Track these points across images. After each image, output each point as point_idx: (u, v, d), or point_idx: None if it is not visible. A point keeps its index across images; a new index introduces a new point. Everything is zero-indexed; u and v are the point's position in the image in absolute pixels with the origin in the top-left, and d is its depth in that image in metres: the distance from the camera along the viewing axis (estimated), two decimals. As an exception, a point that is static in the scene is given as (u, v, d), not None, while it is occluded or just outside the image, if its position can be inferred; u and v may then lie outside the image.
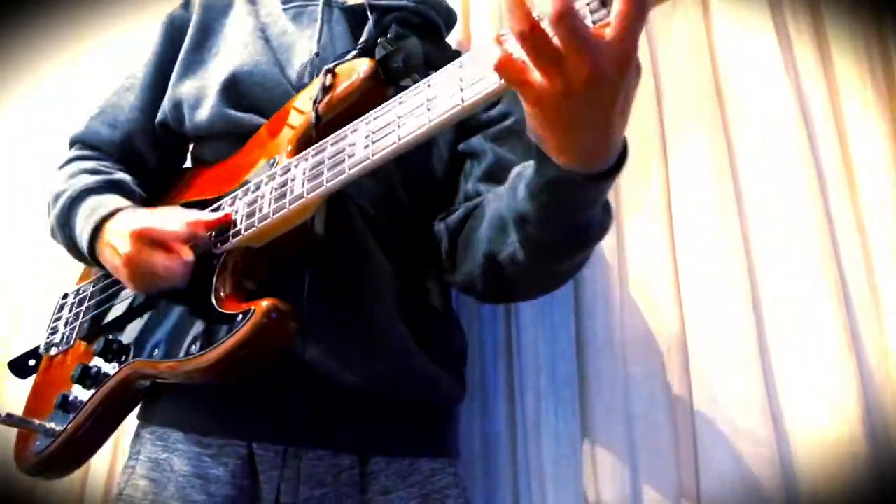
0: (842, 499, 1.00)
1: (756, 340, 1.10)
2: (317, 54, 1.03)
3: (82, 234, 0.99)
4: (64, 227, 1.04)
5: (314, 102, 0.93)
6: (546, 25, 0.59)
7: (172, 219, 0.91)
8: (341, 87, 0.93)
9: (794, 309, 1.10)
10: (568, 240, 0.80)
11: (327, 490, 0.90)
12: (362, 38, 1.05)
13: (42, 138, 1.70)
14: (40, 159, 1.21)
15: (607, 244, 1.21)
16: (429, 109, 0.75)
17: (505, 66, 0.62)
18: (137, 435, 0.98)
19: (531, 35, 0.59)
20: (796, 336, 1.09)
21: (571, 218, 0.77)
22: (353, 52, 0.99)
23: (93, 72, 1.74)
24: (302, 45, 1.07)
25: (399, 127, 0.77)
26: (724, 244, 1.15)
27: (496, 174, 0.98)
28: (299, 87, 1.01)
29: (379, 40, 1.00)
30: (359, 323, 0.94)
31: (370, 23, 1.07)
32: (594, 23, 0.62)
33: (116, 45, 1.73)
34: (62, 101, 1.75)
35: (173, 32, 1.15)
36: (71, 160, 1.13)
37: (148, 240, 0.89)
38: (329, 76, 0.94)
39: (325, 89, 0.94)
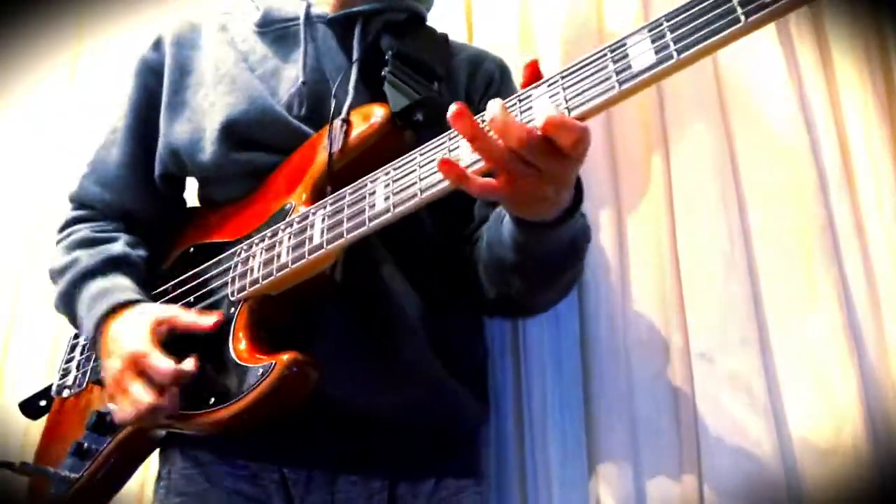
0: (843, 499, 1.00)
1: (757, 341, 1.10)
2: (303, 83, 1.00)
3: (86, 323, 0.98)
4: (67, 309, 1.03)
5: (329, 155, 0.92)
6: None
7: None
8: (355, 134, 0.92)
9: (794, 309, 1.10)
10: (566, 257, 0.89)
11: None
12: (354, 54, 1.02)
13: (41, 139, 1.68)
14: (39, 160, 1.18)
15: (609, 246, 1.21)
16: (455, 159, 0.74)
17: (480, 192, 0.73)
18: (165, 457, 0.98)
19: (499, 159, 0.70)
20: (797, 336, 1.09)
21: (562, 244, 0.85)
22: (354, 72, 0.99)
23: (92, 72, 1.71)
24: (288, 70, 1.03)
25: (421, 180, 0.76)
26: (725, 245, 1.15)
27: None
28: (295, 116, 1.00)
29: (384, 73, 0.98)
30: (388, 354, 0.94)
31: (357, 34, 1.04)
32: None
33: (116, 45, 1.69)
34: (62, 102, 1.72)
35: (147, 79, 1.11)
36: (70, 224, 1.11)
37: (137, 368, 0.86)
38: (344, 125, 0.93)
39: (343, 134, 0.93)
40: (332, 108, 0.97)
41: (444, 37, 1.15)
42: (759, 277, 1.13)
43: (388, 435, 0.93)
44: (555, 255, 0.87)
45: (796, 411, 1.05)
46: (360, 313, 0.93)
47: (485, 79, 1.12)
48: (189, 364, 0.87)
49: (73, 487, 0.95)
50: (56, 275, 1.05)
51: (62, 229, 1.12)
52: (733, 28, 0.61)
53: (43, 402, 1.14)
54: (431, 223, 1.02)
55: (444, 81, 1.04)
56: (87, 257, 1.02)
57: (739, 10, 0.60)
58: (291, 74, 1.02)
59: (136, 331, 0.90)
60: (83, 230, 1.09)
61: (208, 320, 0.90)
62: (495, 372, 1.24)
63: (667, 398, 1.12)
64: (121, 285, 0.99)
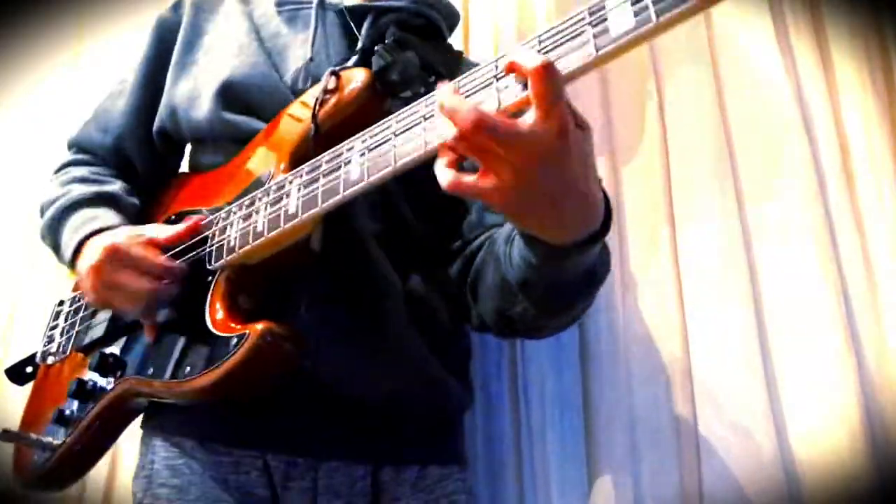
0: (842, 498, 1.00)
1: (757, 342, 1.10)
2: (311, 59, 1.00)
3: (68, 245, 0.99)
4: (52, 235, 1.04)
5: (315, 105, 0.90)
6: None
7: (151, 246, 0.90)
8: (334, 100, 0.90)
9: (794, 309, 1.10)
10: (576, 290, 0.81)
11: (342, 501, 0.91)
12: (360, 43, 1.01)
13: (42, 136, 1.69)
14: (40, 157, 1.20)
15: (609, 248, 1.19)
16: (425, 130, 0.72)
17: (455, 188, 0.64)
18: (147, 444, 0.97)
19: (463, 140, 0.62)
20: (797, 337, 1.09)
21: (573, 275, 0.77)
22: (353, 59, 0.96)
23: (93, 70, 1.72)
24: (295, 48, 1.04)
25: (395, 148, 0.74)
26: (725, 245, 1.15)
27: None
28: (295, 92, 0.99)
29: (377, 48, 0.96)
30: (371, 334, 0.93)
31: (366, 25, 1.03)
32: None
33: (117, 43, 1.71)
34: (62, 100, 1.73)
35: (163, 35, 1.13)
36: (66, 165, 1.13)
37: (121, 257, 0.88)
38: (333, 78, 0.91)
39: (328, 91, 0.91)
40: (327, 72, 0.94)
41: (459, 53, 1.15)
42: (759, 278, 1.13)
43: (371, 420, 0.92)
44: (568, 280, 0.78)
45: (795, 412, 1.06)
46: (345, 294, 0.92)
47: None
48: (175, 261, 0.88)
49: (56, 454, 0.95)
50: (47, 205, 1.06)
51: (59, 170, 1.14)
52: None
53: (29, 369, 1.14)
54: (411, 212, 1.00)
55: (443, 79, 1.01)
56: (80, 189, 1.05)
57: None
58: (298, 54, 1.02)
59: (118, 232, 0.93)
60: (81, 170, 1.11)
61: (182, 226, 0.92)
62: (491, 372, 1.24)
63: (666, 399, 1.12)
64: (110, 216, 1.01)
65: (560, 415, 1.15)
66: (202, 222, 0.92)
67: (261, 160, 0.95)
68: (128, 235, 0.91)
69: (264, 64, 1.01)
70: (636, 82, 1.26)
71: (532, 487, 1.15)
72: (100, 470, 1.37)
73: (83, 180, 1.07)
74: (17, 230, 1.65)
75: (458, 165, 0.66)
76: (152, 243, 0.91)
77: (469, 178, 0.64)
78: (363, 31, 1.03)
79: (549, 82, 0.60)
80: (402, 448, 0.95)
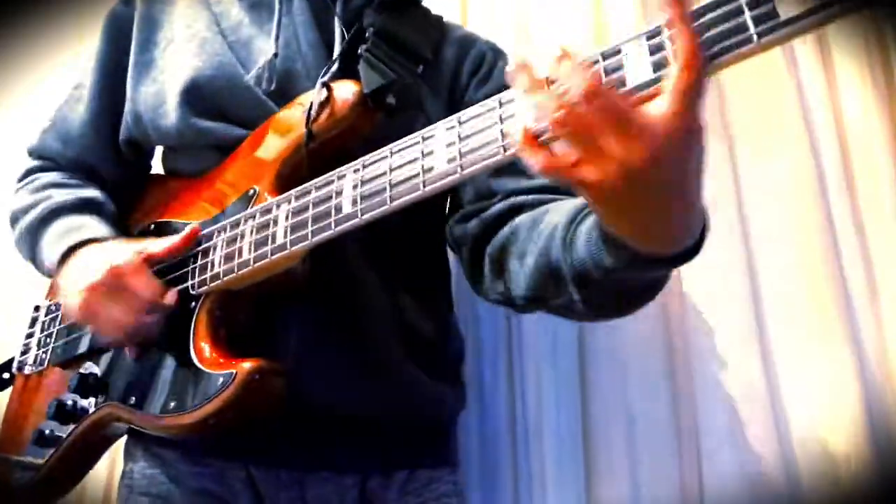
0: (842, 498, 1.01)
1: (757, 340, 1.09)
2: (275, 55, 0.93)
3: (51, 254, 0.94)
4: (31, 241, 0.99)
5: (307, 120, 0.84)
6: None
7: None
8: (324, 116, 0.84)
9: (794, 309, 1.10)
10: (637, 298, 0.73)
11: None
12: (337, 40, 0.94)
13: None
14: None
15: None
16: (424, 171, 0.68)
17: (552, 170, 0.56)
18: (128, 453, 0.94)
19: (568, 122, 0.53)
20: (797, 336, 1.08)
21: (641, 284, 0.70)
22: (335, 63, 0.90)
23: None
24: (261, 41, 0.96)
25: (391, 187, 0.70)
26: (724, 244, 1.14)
27: (510, 167, 0.83)
28: (263, 91, 0.92)
29: (360, 51, 0.90)
30: (357, 350, 0.89)
31: (338, 11, 0.96)
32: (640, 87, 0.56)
33: None
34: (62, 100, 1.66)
35: (116, 31, 1.04)
36: (31, 171, 1.06)
37: (121, 284, 0.83)
38: (324, 90, 0.85)
39: (322, 105, 0.85)
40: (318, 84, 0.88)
41: (438, 18, 1.06)
42: (759, 277, 1.12)
43: (358, 432, 0.89)
44: (631, 290, 0.71)
45: (796, 411, 1.05)
46: (329, 308, 0.89)
47: (476, 59, 1.03)
48: (172, 294, 0.84)
49: (36, 475, 0.93)
50: (20, 213, 1.00)
51: (22, 178, 1.07)
52: (744, 48, 0.53)
53: (6, 375, 1.10)
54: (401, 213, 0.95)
55: (429, 65, 0.95)
56: (59, 195, 0.98)
57: (752, 29, 0.52)
58: (264, 46, 0.94)
59: (118, 249, 0.86)
60: (51, 176, 1.04)
61: (176, 238, 0.86)
62: (487, 370, 1.22)
63: (665, 397, 1.11)
64: (95, 224, 0.95)
65: (557, 414, 1.15)
66: (199, 234, 0.87)
67: (245, 174, 0.90)
68: (129, 256, 0.85)
69: (228, 63, 0.94)
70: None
71: (528, 488, 1.15)
72: (100, 470, 1.35)
73: (59, 185, 1.01)
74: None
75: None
76: (150, 262, 0.86)
77: (562, 160, 0.55)
78: (336, 17, 0.96)
79: (701, 75, 0.53)
80: (389, 456, 0.93)
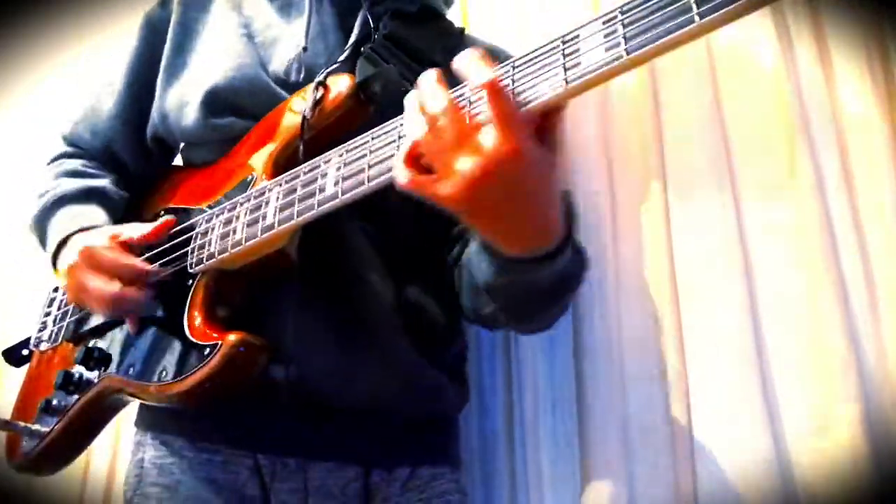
0: (839, 499, 0.98)
1: (753, 341, 1.08)
2: (304, 49, 0.98)
3: (52, 242, 1.00)
4: (40, 228, 1.05)
5: (304, 118, 0.89)
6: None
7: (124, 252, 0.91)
8: (325, 100, 0.89)
9: (791, 309, 1.09)
10: (544, 298, 0.82)
11: (336, 502, 0.91)
12: (352, 38, 0.99)
13: (42, 136, 1.69)
14: (40, 157, 1.22)
15: (604, 245, 1.19)
16: (399, 149, 0.71)
17: (412, 186, 0.66)
18: (138, 442, 0.98)
19: (425, 142, 0.64)
20: (793, 336, 1.07)
21: (537, 284, 0.76)
22: (342, 58, 0.94)
23: (94, 70, 1.72)
24: (287, 39, 1.01)
25: (369, 168, 0.73)
26: (721, 244, 1.13)
27: None
28: (284, 85, 0.97)
29: (363, 49, 0.94)
30: (361, 339, 0.92)
31: (360, 15, 1.01)
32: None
33: (117, 43, 1.68)
34: (64, 100, 1.73)
35: (151, 34, 1.11)
36: (59, 157, 1.13)
37: (94, 261, 0.89)
38: (320, 89, 0.90)
39: (316, 103, 0.90)
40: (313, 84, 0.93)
41: (461, 29, 1.11)
42: (756, 276, 1.11)
43: (362, 422, 0.91)
44: (538, 292, 0.80)
45: (792, 411, 1.04)
46: (333, 296, 0.91)
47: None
48: (145, 263, 0.90)
49: (42, 442, 0.98)
50: (36, 198, 1.07)
51: (53, 160, 1.14)
52: (686, 29, 0.56)
53: (25, 352, 1.16)
54: (401, 205, 0.98)
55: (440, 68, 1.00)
56: (68, 184, 1.05)
57: (695, 10, 0.55)
58: (290, 44, 1.00)
59: (95, 233, 0.94)
60: (74, 163, 1.11)
61: (153, 226, 0.93)
62: (485, 369, 1.23)
63: (661, 397, 1.11)
64: (94, 214, 1.02)
65: (553, 414, 1.15)
66: (170, 222, 0.93)
67: (246, 161, 0.95)
68: (106, 237, 0.91)
69: (251, 63, 0.99)
70: (630, 76, 1.23)
71: (525, 487, 1.15)
72: (100, 469, 1.40)
73: (73, 174, 1.07)
74: (18, 230, 1.67)
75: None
76: (126, 244, 0.91)
77: (423, 178, 0.65)
78: (357, 22, 1.00)
79: (502, 102, 0.61)
80: (392, 449, 0.95)
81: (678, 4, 0.56)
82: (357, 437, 0.92)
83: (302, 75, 0.97)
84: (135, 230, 0.93)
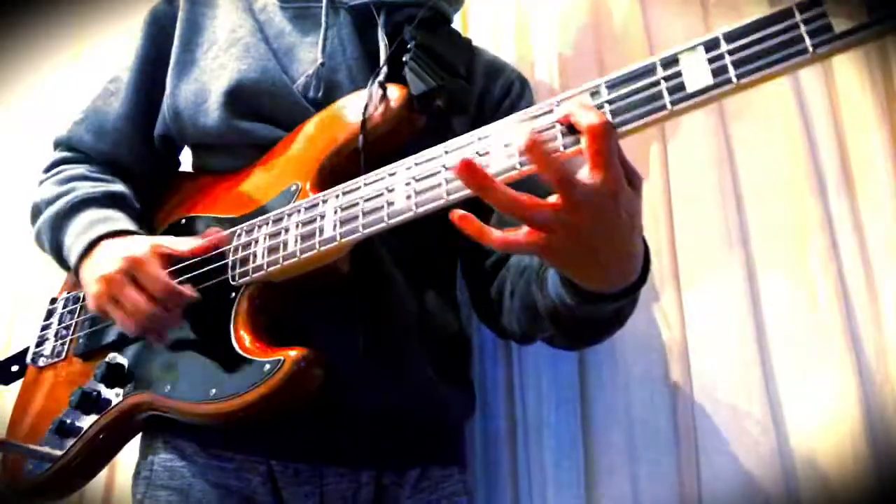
0: (842, 499, 1.01)
1: (756, 341, 1.10)
2: (322, 64, 0.97)
3: (75, 245, 0.95)
4: (54, 234, 0.99)
5: (363, 119, 0.87)
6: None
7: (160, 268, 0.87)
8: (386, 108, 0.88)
9: (793, 309, 1.11)
10: (604, 327, 0.84)
11: None
12: (382, 51, 0.98)
13: (42, 136, 1.60)
14: (41, 156, 1.16)
15: None
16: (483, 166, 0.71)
17: (507, 247, 0.66)
18: (147, 445, 0.94)
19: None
20: (796, 337, 1.10)
21: (604, 315, 0.78)
22: (384, 70, 0.93)
23: (94, 70, 1.65)
24: (304, 50, 1.00)
25: (447, 182, 0.73)
26: (724, 245, 1.15)
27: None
28: (307, 98, 0.96)
29: (405, 59, 0.94)
30: (381, 352, 0.91)
31: (381, 24, 1.00)
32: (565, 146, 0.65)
33: (118, 43, 1.64)
34: (63, 99, 1.66)
35: (157, 31, 1.07)
36: (58, 163, 1.07)
37: (138, 272, 0.85)
38: (380, 90, 0.89)
39: (375, 104, 0.89)
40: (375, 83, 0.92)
41: (468, 41, 1.12)
42: (757, 277, 1.13)
43: (376, 429, 0.91)
44: (599, 322, 0.81)
45: (794, 411, 1.06)
46: (363, 308, 0.90)
47: (504, 87, 1.10)
48: (188, 288, 0.86)
49: (54, 466, 0.92)
50: (44, 205, 1.01)
51: (49, 168, 1.08)
52: (799, 59, 0.58)
53: (15, 368, 1.09)
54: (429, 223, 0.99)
55: (463, 80, 1.00)
56: (86, 188, 1.00)
57: (808, 41, 0.58)
58: (307, 56, 0.99)
59: (137, 242, 0.90)
60: (78, 168, 1.05)
61: (202, 241, 0.90)
62: (488, 369, 1.23)
63: (664, 398, 1.12)
64: (121, 217, 0.97)
65: (557, 414, 1.16)
66: (224, 237, 0.89)
67: (285, 171, 0.92)
68: (148, 247, 0.87)
69: (273, 68, 0.97)
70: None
71: (528, 488, 1.15)
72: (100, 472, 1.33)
73: (85, 178, 1.02)
74: (18, 229, 1.58)
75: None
76: (167, 256, 0.88)
77: (517, 236, 0.65)
78: (379, 31, 1.00)
79: (607, 142, 0.61)
80: (404, 453, 0.95)
81: (788, 35, 0.59)
82: (371, 443, 0.92)
83: (321, 92, 0.96)
84: (180, 243, 0.89)
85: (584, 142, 0.61)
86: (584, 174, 0.61)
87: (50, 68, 1.70)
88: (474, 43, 1.15)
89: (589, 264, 0.68)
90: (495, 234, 0.65)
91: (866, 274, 1.10)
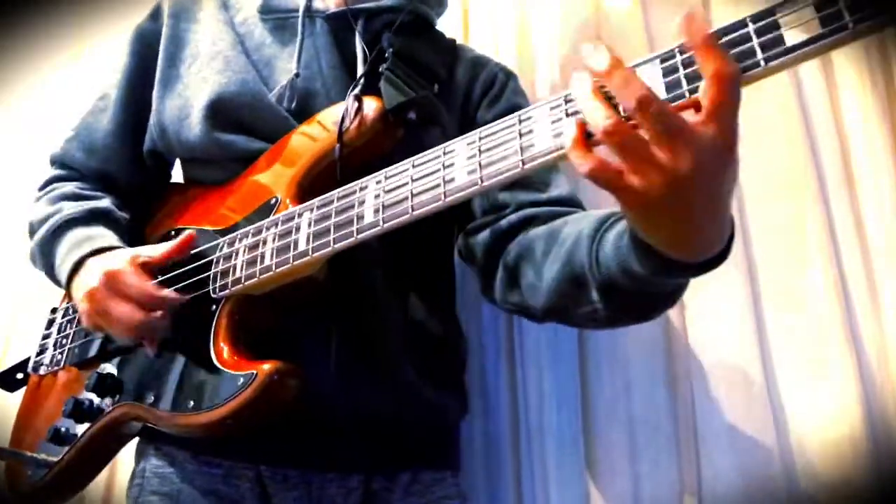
0: (842, 498, 1.00)
1: (756, 341, 1.10)
2: (296, 75, 0.97)
3: (63, 266, 0.97)
4: (45, 256, 1.02)
5: (340, 132, 0.88)
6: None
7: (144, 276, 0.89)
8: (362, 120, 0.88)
9: (793, 309, 1.10)
10: (661, 302, 0.76)
11: None
12: (360, 61, 0.98)
13: (43, 136, 1.64)
14: (40, 157, 1.19)
15: None
16: (445, 182, 0.71)
17: (598, 174, 0.57)
18: (140, 452, 0.97)
19: (618, 132, 0.55)
20: (796, 336, 1.09)
21: (667, 288, 0.72)
22: (361, 81, 0.94)
23: (94, 70, 1.67)
24: (282, 61, 1.00)
25: (413, 197, 0.73)
26: None
27: (522, 180, 0.87)
28: (287, 110, 0.97)
29: (381, 69, 0.94)
30: (366, 358, 0.92)
31: (359, 32, 1.01)
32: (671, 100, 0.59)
33: (118, 43, 1.65)
34: (63, 100, 1.68)
35: (143, 47, 1.09)
36: (51, 182, 1.10)
37: (118, 285, 0.87)
38: (356, 103, 0.89)
39: (355, 114, 0.89)
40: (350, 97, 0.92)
41: (452, 41, 1.12)
42: (759, 275, 1.12)
43: (365, 434, 0.92)
44: (655, 298, 0.74)
45: (795, 410, 1.05)
46: (344, 315, 0.91)
47: (487, 80, 1.08)
48: (170, 291, 0.87)
49: (50, 472, 0.95)
50: (36, 225, 1.04)
51: (43, 187, 1.10)
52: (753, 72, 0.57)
53: (20, 375, 1.12)
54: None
55: (444, 84, 1.00)
56: (71, 207, 1.02)
57: (759, 54, 0.56)
58: (286, 66, 0.99)
59: (117, 256, 0.91)
60: (68, 186, 1.08)
61: (171, 244, 0.91)
62: (489, 370, 1.23)
63: (665, 397, 1.12)
64: (104, 234, 0.99)
65: (558, 414, 1.16)
66: (191, 235, 0.91)
67: (267, 183, 0.93)
68: (125, 260, 0.89)
69: (252, 80, 0.98)
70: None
71: (530, 488, 1.16)
72: (99, 474, 1.36)
73: (73, 197, 1.04)
74: (18, 229, 1.61)
75: None
76: (147, 266, 0.89)
77: (613, 166, 0.57)
78: (357, 39, 1.00)
79: (735, 91, 0.56)
80: (394, 457, 0.96)
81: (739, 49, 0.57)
82: (360, 449, 0.92)
83: (294, 104, 0.97)
84: (154, 250, 0.91)
85: (706, 87, 0.55)
86: (701, 122, 0.55)
87: (50, 68, 1.73)
88: (473, 43, 1.15)
89: (681, 226, 0.60)
90: (585, 158, 0.57)
91: (866, 274, 1.09)
